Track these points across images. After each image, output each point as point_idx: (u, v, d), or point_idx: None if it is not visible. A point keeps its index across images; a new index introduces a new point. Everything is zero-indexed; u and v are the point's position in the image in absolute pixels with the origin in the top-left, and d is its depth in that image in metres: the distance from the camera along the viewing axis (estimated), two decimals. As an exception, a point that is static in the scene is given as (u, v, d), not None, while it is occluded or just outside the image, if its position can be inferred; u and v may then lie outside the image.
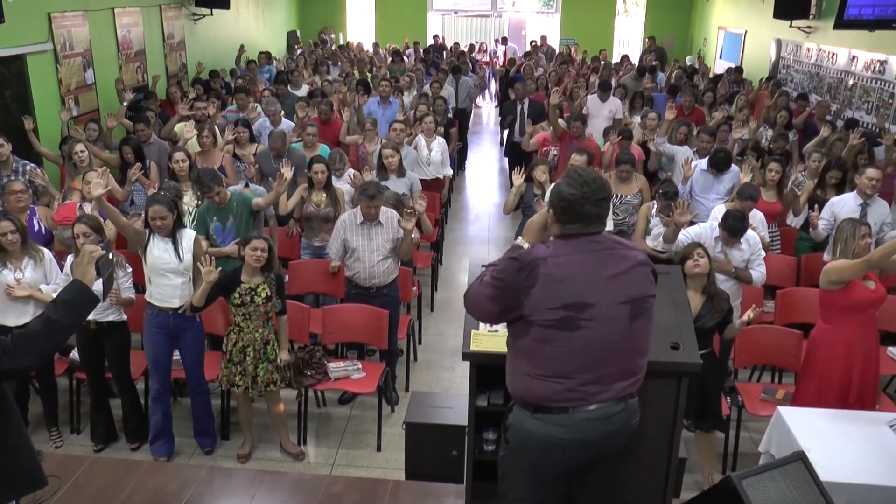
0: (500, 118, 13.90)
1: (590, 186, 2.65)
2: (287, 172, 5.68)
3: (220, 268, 4.57)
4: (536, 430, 2.77)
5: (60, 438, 5.04)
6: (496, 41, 19.90)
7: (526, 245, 2.84)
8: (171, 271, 4.63)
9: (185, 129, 7.26)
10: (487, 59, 18.86)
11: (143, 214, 4.84)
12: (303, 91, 10.39)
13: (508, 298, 2.69)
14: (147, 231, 4.68)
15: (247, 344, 4.64)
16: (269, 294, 4.62)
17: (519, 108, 10.19)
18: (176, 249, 4.65)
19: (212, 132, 6.90)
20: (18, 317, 4.63)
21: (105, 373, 4.91)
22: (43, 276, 4.73)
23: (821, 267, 5.87)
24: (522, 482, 2.92)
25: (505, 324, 2.89)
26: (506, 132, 13.57)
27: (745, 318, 4.40)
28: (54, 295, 4.54)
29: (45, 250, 4.83)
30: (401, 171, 6.70)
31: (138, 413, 5.00)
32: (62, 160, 6.97)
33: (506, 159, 11.83)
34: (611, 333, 2.67)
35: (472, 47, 19.19)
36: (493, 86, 18.05)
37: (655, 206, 5.98)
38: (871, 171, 5.77)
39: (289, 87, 10.31)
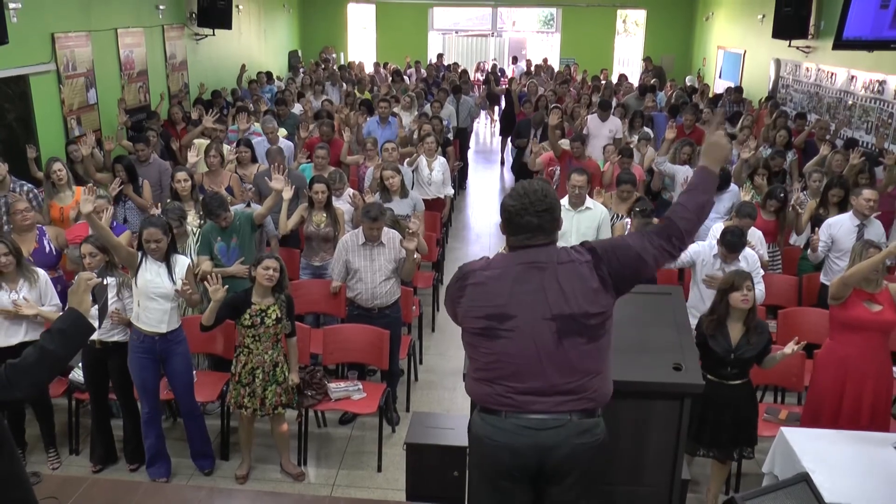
0: (501, 136, 13.97)
1: (529, 198, 2.71)
2: (277, 185, 5.61)
3: (226, 286, 4.55)
4: (476, 430, 2.82)
5: (58, 459, 5.01)
6: (512, 59, 20.05)
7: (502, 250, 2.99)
8: (161, 296, 4.55)
9: (189, 154, 7.29)
10: (482, 79, 19.04)
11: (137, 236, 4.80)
12: (296, 110, 10.43)
13: (450, 305, 2.90)
14: (140, 253, 4.61)
15: (256, 366, 4.60)
16: (279, 316, 4.58)
17: (533, 129, 10.21)
18: (169, 273, 4.59)
19: (219, 152, 6.88)
20: (10, 337, 4.63)
21: (108, 393, 4.88)
22: (38, 297, 4.70)
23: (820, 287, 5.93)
24: (480, 487, 2.93)
25: None
26: (506, 150, 13.68)
27: (787, 350, 4.25)
28: (53, 314, 4.62)
29: (41, 271, 4.82)
30: (403, 192, 6.69)
31: (138, 433, 4.95)
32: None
33: (508, 177, 11.84)
34: (534, 347, 2.67)
35: (478, 66, 19.46)
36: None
37: (630, 224, 5.86)
38: (867, 192, 5.75)
39: (289, 108, 10.34)
